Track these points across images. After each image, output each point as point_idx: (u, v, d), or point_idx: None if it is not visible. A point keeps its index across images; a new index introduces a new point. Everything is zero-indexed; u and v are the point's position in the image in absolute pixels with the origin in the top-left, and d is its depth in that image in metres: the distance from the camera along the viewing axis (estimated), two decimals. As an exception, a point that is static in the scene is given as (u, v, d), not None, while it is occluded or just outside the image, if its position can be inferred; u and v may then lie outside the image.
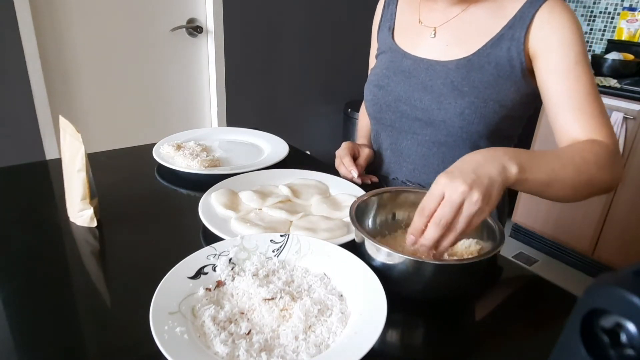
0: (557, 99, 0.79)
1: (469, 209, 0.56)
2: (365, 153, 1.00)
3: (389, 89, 0.93)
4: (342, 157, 0.96)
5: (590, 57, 2.53)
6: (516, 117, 0.89)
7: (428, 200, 0.57)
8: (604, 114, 0.77)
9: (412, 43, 0.94)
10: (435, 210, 0.57)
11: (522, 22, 0.82)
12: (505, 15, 0.84)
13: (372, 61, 1.07)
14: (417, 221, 0.58)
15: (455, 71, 0.86)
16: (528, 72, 0.84)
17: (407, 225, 0.72)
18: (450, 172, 0.58)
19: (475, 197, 0.56)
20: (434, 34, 0.91)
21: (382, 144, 1.01)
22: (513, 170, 0.61)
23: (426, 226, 0.57)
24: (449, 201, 0.56)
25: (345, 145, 1.00)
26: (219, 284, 0.59)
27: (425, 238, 0.57)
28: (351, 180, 0.93)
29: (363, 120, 1.15)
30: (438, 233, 0.56)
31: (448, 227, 0.56)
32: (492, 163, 0.60)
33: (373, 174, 1.03)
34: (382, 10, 1.03)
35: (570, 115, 0.77)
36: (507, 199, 1.04)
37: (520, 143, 0.93)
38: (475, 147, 0.89)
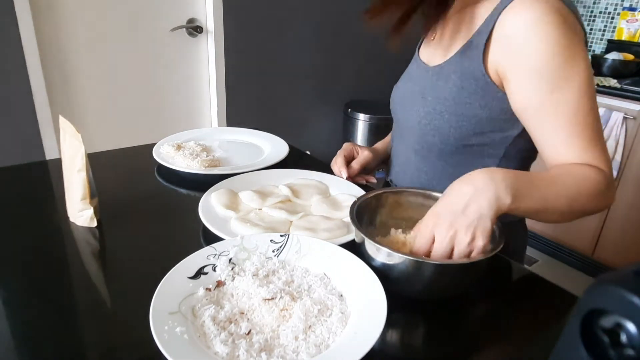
0: (541, 131, 0.71)
1: (460, 252, 0.58)
2: (363, 155, 0.99)
3: (396, 91, 0.94)
4: (336, 158, 0.97)
5: (590, 57, 2.53)
6: (486, 137, 0.78)
7: (420, 244, 0.60)
8: (597, 137, 0.69)
9: (423, 46, 0.92)
10: (429, 253, 0.60)
11: (486, 26, 0.73)
12: (481, 18, 0.75)
13: None
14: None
15: (429, 78, 0.82)
16: (497, 87, 0.74)
17: (407, 225, 0.72)
18: (437, 215, 0.59)
19: (465, 241, 0.57)
20: (434, 36, 0.87)
21: (392, 146, 1.02)
22: (507, 200, 0.59)
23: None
24: (439, 247, 0.58)
25: (344, 146, 1.00)
26: (219, 284, 0.59)
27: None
28: (347, 180, 0.93)
29: None
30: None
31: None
32: (484, 195, 0.58)
33: (386, 173, 1.03)
34: None
35: (557, 149, 0.70)
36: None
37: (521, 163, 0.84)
38: (442, 160, 0.84)
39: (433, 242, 0.59)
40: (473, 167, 0.66)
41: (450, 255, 0.58)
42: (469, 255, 0.58)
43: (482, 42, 0.73)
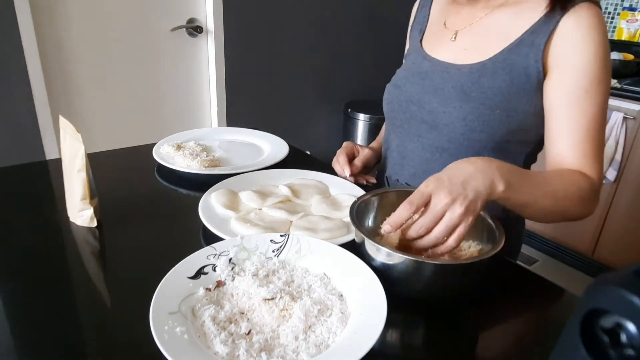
0: (557, 129, 0.77)
1: (450, 221, 0.58)
2: (363, 153, 1.00)
3: (404, 89, 0.93)
4: (338, 156, 0.97)
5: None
6: (526, 133, 0.83)
7: (415, 198, 0.60)
8: (600, 150, 0.77)
9: (435, 46, 0.92)
10: (421, 207, 0.60)
11: (545, 28, 0.77)
12: (529, 19, 0.79)
13: (404, 62, 1.06)
14: (399, 214, 0.60)
15: (468, 75, 0.83)
16: (543, 84, 0.80)
17: (407, 225, 0.72)
18: (440, 180, 0.60)
19: (458, 211, 0.58)
20: (455, 37, 0.89)
21: (391, 145, 1.00)
22: (500, 188, 0.62)
23: (406, 221, 0.60)
24: (432, 210, 0.59)
25: (344, 144, 1.00)
26: (219, 284, 0.59)
27: (406, 234, 0.61)
28: (345, 178, 0.93)
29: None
30: (415, 236, 0.60)
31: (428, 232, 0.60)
32: (483, 176, 0.61)
33: (379, 174, 1.03)
34: (415, 12, 1.02)
35: (566, 149, 0.77)
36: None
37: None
38: (484, 155, 0.85)
39: (427, 204, 0.60)
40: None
41: (437, 222, 0.59)
42: (453, 228, 0.59)
43: (542, 41, 0.77)
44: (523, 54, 0.79)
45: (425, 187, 0.60)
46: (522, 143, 0.85)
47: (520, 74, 0.79)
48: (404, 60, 1.05)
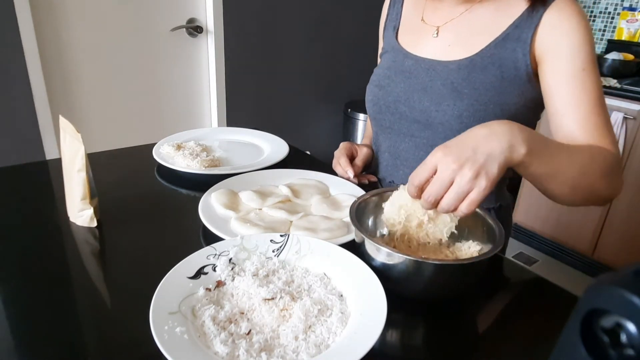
0: (562, 107, 0.76)
1: (459, 188, 0.55)
2: (363, 153, 0.99)
3: (389, 90, 0.91)
4: (339, 157, 0.96)
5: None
6: (520, 121, 0.85)
7: (419, 171, 0.58)
8: (608, 123, 0.75)
9: (415, 43, 0.92)
10: (425, 181, 0.58)
11: (529, 22, 0.78)
12: (512, 14, 0.81)
13: (379, 61, 1.06)
14: (409, 189, 0.59)
15: (457, 72, 0.83)
16: (533, 76, 0.81)
17: (408, 225, 0.72)
18: (448, 146, 0.57)
19: (467, 176, 0.55)
20: (437, 33, 0.88)
21: (381, 146, 0.99)
22: (521, 151, 0.58)
23: (417, 196, 0.59)
24: (438, 178, 0.56)
25: (342, 145, 0.99)
26: (219, 284, 0.59)
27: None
28: (348, 180, 0.93)
29: (369, 122, 1.13)
30: (428, 207, 0.58)
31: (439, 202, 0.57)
32: (500, 138, 0.58)
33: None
34: (387, 9, 1.02)
35: (575, 124, 0.75)
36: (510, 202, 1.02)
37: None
38: None
39: (434, 175, 0.57)
40: None
41: (445, 191, 0.56)
42: (464, 195, 0.55)
43: (528, 35, 0.78)
44: (510, 49, 0.80)
45: (430, 158, 0.58)
46: None
47: (509, 67, 0.80)
48: (379, 59, 1.04)
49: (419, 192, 0.59)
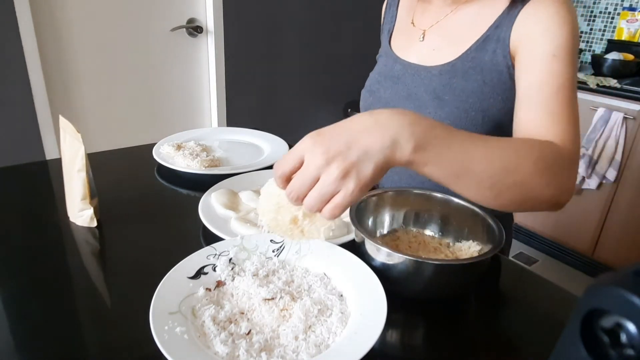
0: (522, 91, 0.69)
1: (323, 188, 0.48)
2: None
3: (378, 95, 0.90)
4: None
5: (590, 57, 2.53)
6: (502, 131, 0.79)
7: (284, 159, 0.50)
8: (571, 117, 0.66)
9: (404, 47, 0.90)
10: (289, 172, 0.50)
11: (508, 20, 0.74)
12: (493, 13, 0.76)
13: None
14: (275, 179, 0.52)
15: (438, 77, 0.80)
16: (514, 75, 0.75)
17: (407, 225, 0.72)
18: (321, 134, 0.49)
19: (334, 175, 0.47)
20: (423, 37, 0.86)
21: None
22: (407, 147, 0.49)
23: (283, 187, 0.52)
24: (302, 171, 0.49)
25: None
26: (219, 284, 0.59)
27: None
28: None
29: None
30: (295, 204, 0.51)
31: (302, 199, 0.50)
32: (383, 132, 0.49)
33: None
34: (384, 12, 1.00)
35: (531, 111, 0.67)
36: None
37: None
38: None
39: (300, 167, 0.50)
40: None
41: (309, 188, 0.49)
42: (329, 196, 0.48)
43: (507, 34, 0.73)
44: (490, 50, 0.76)
45: (297, 147, 0.49)
46: (501, 135, 0.81)
47: (491, 71, 0.76)
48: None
49: (285, 184, 0.51)
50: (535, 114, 0.67)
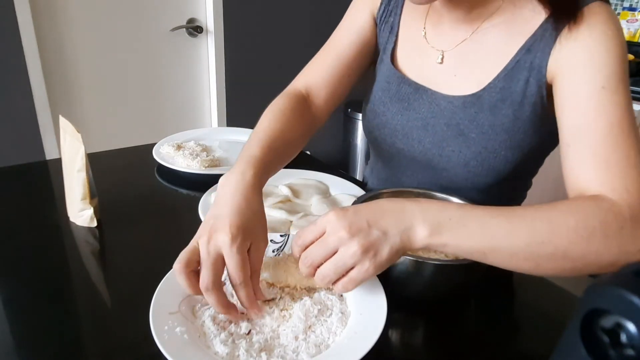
0: (569, 134, 0.60)
1: (341, 259, 0.49)
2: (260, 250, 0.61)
3: (384, 118, 0.79)
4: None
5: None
6: (536, 157, 0.74)
7: (307, 230, 0.51)
8: (630, 160, 0.55)
9: (413, 65, 0.77)
10: (308, 243, 0.51)
11: (544, 44, 0.63)
12: (524, 32, 0.65)
13: (333, 48, 0.91)
14: (293, 247, 0.53)
15: (462, 111, 0.70)
16: (552, 107, 0.65)
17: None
18: (345, 211, 0.50)
19: (354, 248, 0.48)
20: (441, 59, 0.73)
21: (380, 174, 0.90)
22: (421, 233, 0.50)
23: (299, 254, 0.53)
24: (323, 241, 0.50)
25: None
26: (219, 284, 0.59)
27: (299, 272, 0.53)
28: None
29: (263, 123, 0.79)
30: (306, 271, 0.52)
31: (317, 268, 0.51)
32: (399, 218, 0.50)
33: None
34: (379, 21, 0.82)
35: (580, 157, 0.58)
36: None
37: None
38: (483, 193, 0.75)
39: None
40: (507, 195, 0.65)
41: (325, 259, 0.50)
42: (345, 270, 0.49)
43: (544, 61, 0.63)
44: (522, 79, 0.66)
45: (322, 220, 0.51)
46: (530, 166, 0.78)
47: (523, 104, 0.66)
48: (333, 43, 0.91)
49: (302, 252, 0.52)
50: (584, 162, 0.57)
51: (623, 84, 0.58)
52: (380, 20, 0.82)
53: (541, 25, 0.64)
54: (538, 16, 0.64)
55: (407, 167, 0.81)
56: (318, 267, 0.51)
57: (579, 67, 0.60)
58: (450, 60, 0.73)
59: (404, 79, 0.78)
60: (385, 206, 0.52)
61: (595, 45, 0.59)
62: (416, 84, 0.76)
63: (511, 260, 0.51)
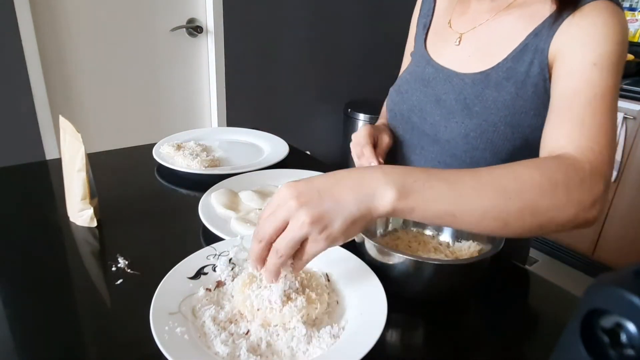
0: (554, 102, 0.64)
1: (291, 232, 0.46)
2: (384, 142, 0.86)
3: (406, 97, 0.86)
4: (363, 146, 0.82)
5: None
6: (531, 150, 0.73)
7: (264, 209, 0.49)
8: (602, 126, 0.59)
9: (438, 49, 0.85)
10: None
11: (550, 29, 0.68)
12: (534, 21, 0.71)
13: (407, 58, 0.97)
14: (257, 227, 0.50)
15: (471, 87, 0.76)
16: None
17: (407, 225, 0.72)
18: (297, 182, 0.48)
19: (302, 218, 0.45)
20: (459, 41, 0.81)
21: (396, 154, 0.92)
22: (387, 197, 0.46)
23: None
24: (273, 215, 0.47)
25: (364, 131, 0.84)
26: (219, 284, 0.59)
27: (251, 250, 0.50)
28: None
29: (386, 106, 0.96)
30: (257, 247, 0.49)
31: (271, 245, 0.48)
32: (356, 186, 0.47)
33: None
34: (420, 3, 0.94)
35: (559, 122, 0.62)
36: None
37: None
38: None
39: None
40: None
41: (277, 232, 0.47)
42: (294, 244, 0.46)
43: (546, 44, 0.68)
44: (527, 61, 0.71)
45: (275, 195, 0.48)
46: (531, 155, 0.75)
47: (525, 84, 0.71)
48: (408, 57, 0.96)
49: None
50: (563, 124, 0.61)
51: (615, 67, 0.62)
52: (418, 21, 0.93)
53: (550, 15, 0.69)
54: (548, 7, 0.70)
55: (418, 143, 0.86)
56: (272, 243, 0.48)
57: (576, 47, 0.64)
58: (466, 42, 0.81)
59: (430, 62, 0.85)
60: (340, 174, 0.48)
61: (593, 29, 0.63)
62: (437, 65, 0.83)
63: (481, 220, 0.50)
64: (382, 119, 0.99)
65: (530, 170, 0.52)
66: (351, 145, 0.86)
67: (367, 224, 0.48)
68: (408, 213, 0.48)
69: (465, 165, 0.78)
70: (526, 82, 0.71)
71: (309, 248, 0.47)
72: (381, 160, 0.81)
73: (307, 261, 0.48)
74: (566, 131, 0.60)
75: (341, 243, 0.48)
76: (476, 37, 0.80)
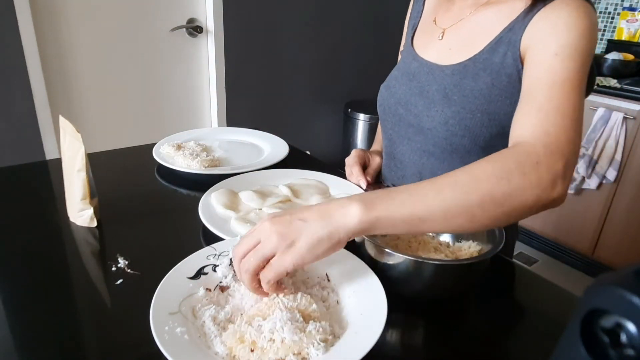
0: (522, 92, 0.68)
1: (261, 248, 0.51)
2: (375, 162, 0.97)
3: (394, 91, 0.91)
4: (352, 166, 0.93)
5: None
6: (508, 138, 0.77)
7: (246, 233, 0.54)
8: (559, 109, 0.62)
9: (424, 45, 0.90)
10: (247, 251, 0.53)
11: (522, 23, 0.73)
12: (510, 15, 0.76)
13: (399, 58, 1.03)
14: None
15: (450, 77, 0.81)
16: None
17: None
18: (279, 212, 0.54)
19: (272, 237, 0.50)
20: (442, 36, 0.87)
21: (385, 148, 0.98)
22: (353, 210, 0.51)
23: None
24: (250, 235, 0.52)
25: (354, 153, 0.96)
26: (223, 289, 0.58)
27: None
28: (361, 189, 0.90)
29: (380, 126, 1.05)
30: (235, 265, 0.54)
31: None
32: (324, 209, 0.52)
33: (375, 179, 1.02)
34: (411, 6, 1.00)
35: (521, 110, 0.65)
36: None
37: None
38: (464, 162, 0.81)
39: None
40: None
41: (246, 253, 0.52)
42: (262, 262, 0.51)
43: (518, 37, 0.73)
44: (501, 53, 0.75)
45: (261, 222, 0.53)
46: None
47: (500, 74, 0.76)
48: (399, 57, 1.03)
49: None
50: (524, 113, 0.65)
51: (579, 56, 0.65)
52: (408, 24, 0.99)
53: (524, 10, 0.74)
54: (523, 3, 0.75)
55: (405, 134, 0.90)
56: None
57: (542, 38, 0.69)
58: (448, 37, 0.86)
59: (415, 57, 0.90)
60: (317, 204, 0.54)
61: (557, 21, 0.67)
62: (422, 59, 0.88)
63: (447, 219, 0.53)
64: (377, 145, 1.07)
65: (482, 165, 0.56)
66: (345, 167, 0.96)
67: (335, 244, 0.51)
68: (376, 223, 0.52)
69: (447, 152, 0.83)
70: (501, 72, 0.76)
71: (274, 261, 0.50)
72: (369, 179, 0.92)
73: (275, 276, 0.51)
74: (527, 119, 0.63)
75: (309, 263, 0.51)
76: (457, 31, 0.85)
